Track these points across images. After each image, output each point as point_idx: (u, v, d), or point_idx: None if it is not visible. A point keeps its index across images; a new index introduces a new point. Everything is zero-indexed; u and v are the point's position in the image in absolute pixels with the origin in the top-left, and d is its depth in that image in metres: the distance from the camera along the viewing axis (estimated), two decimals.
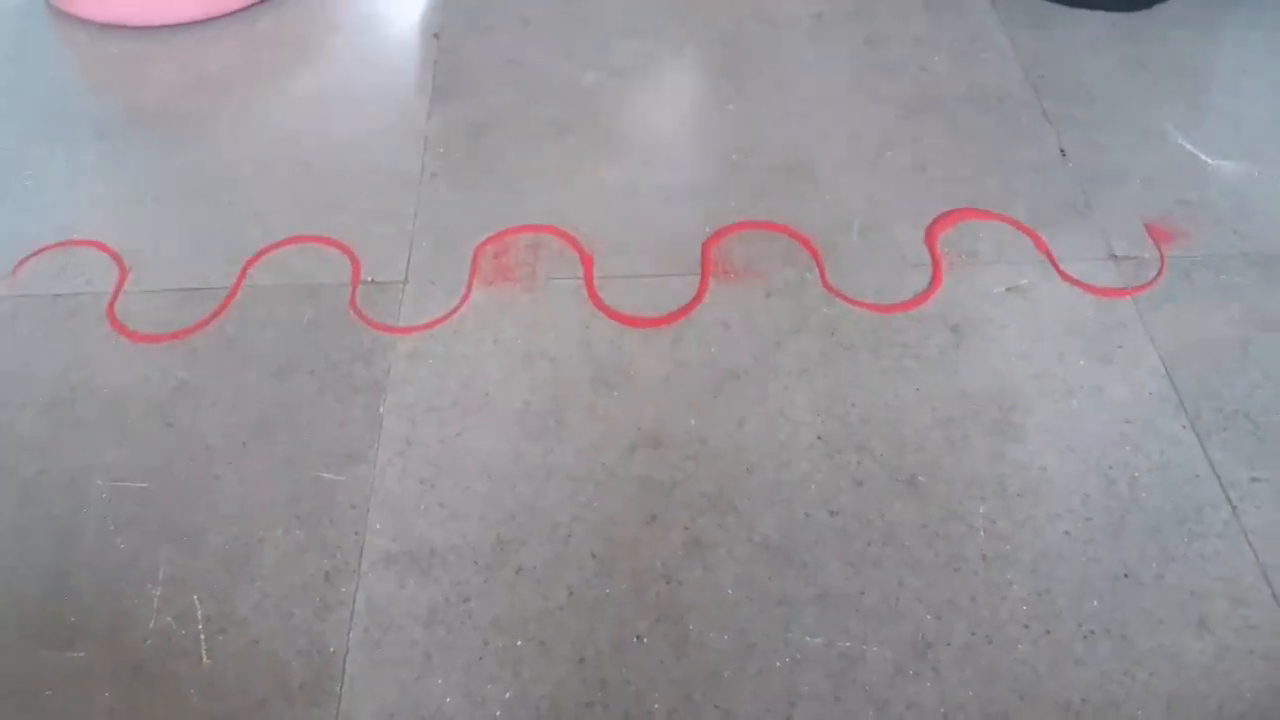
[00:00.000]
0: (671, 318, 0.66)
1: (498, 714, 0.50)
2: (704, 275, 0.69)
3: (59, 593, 0.55)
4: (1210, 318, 0.65)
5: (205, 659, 0.52)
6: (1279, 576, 0.54)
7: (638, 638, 0.52)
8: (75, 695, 0.51)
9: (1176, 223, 0.71)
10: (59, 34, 0.94)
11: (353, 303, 0.68)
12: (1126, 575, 0.54)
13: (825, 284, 0.68)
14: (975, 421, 0.60)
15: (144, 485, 0.59)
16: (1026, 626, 0.52)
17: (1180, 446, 0.59)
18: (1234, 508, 0.56)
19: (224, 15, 0.93)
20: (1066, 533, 0.56)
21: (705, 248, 0.70)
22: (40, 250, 0.72)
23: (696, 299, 0.67)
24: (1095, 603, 0.53)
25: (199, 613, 0.54)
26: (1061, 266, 0.68)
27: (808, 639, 0.52)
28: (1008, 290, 0.67)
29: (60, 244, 0.73)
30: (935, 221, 0.71)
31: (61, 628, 0.54)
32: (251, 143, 0.81)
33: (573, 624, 0.53)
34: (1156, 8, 0.88)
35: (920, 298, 0.67)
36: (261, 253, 0.71)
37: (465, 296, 0.68)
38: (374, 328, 0.66)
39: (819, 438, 0.60)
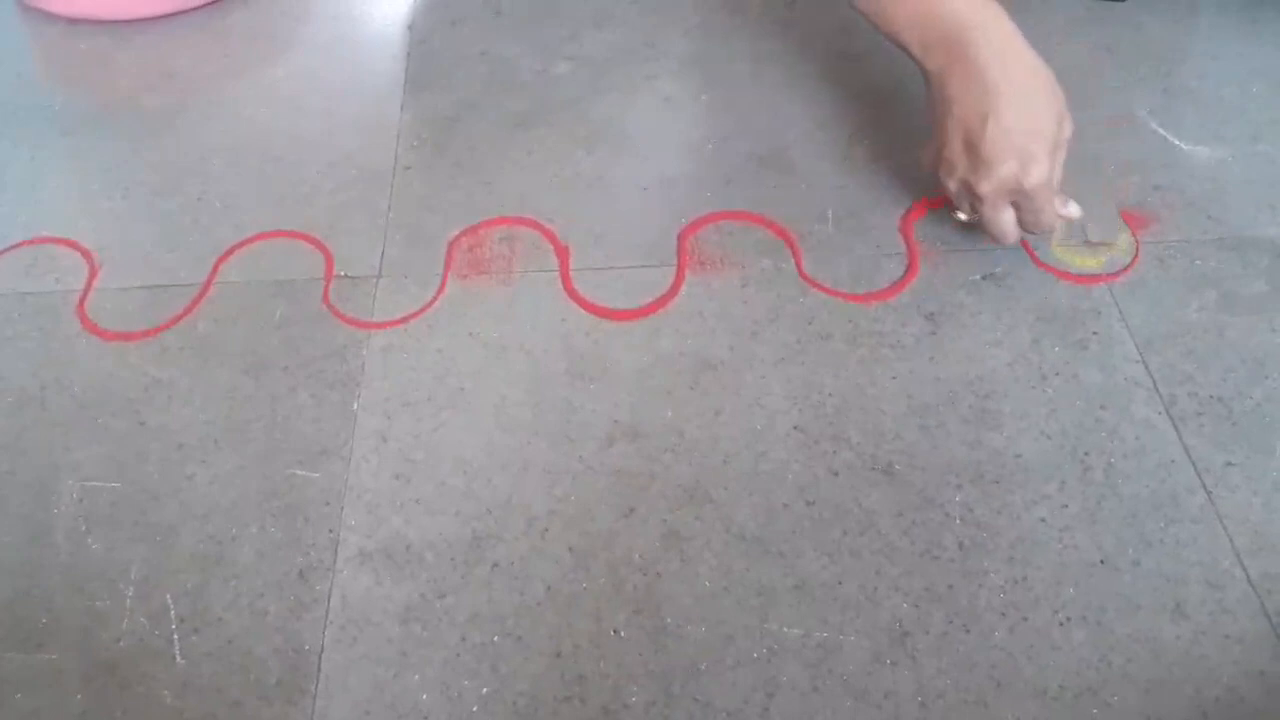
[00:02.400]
0: (648, 309, 0.66)
1: (475, 710, 0.50)
2: (680, 266, 0.68)
3: (29, 594, 0.54)
4: (1185, 303, 0.65)
5: (179, 659, 0.52)
6: (1253, 561, 0.54)
7: (615, 631, 0.52)
8: (47, 697, 0.51)
9: (1151, 208, 0.71)
10: (26, 29, 0.92)
11: (325, 298, 0.67)
12: (1103, 561, 0.54)
13: (801, 273, 0.68)
14: (951, 409, 0.60)
15: (115, 484, 0.58)
16: (1003, 614, 0.52)
17: (1155, 432, 0.59)
18: (1209, 493, 0.57)
19: (194, 9, 0.92)
20: (1043, 520, 0.56)
21: (681, 239, 0.70)
22: (7, 249, 0.71)
23: (673, 290, 0.67)
24: (1072, 589, 0.53)
25: (172, 612, 0.53)
26: (1036, 253, 0.68)
27: (785, 629, 0.52)
28: (983, 277, 0.67)
29: (27, 242, 0.72)
30: (910, 210, 0.71)
31: (32, 629, 0.53)
32: (222, 137, 0.80)
33: (550, 618, 0.53)
34: None
35: (896, 286, 0.67)
36: (233, 248, 0.71)
37: (440, 290, 0.68)
38: (347, 323, 0.66)
39: (795, 427, 0.60)
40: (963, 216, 0.67)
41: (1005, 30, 0.60)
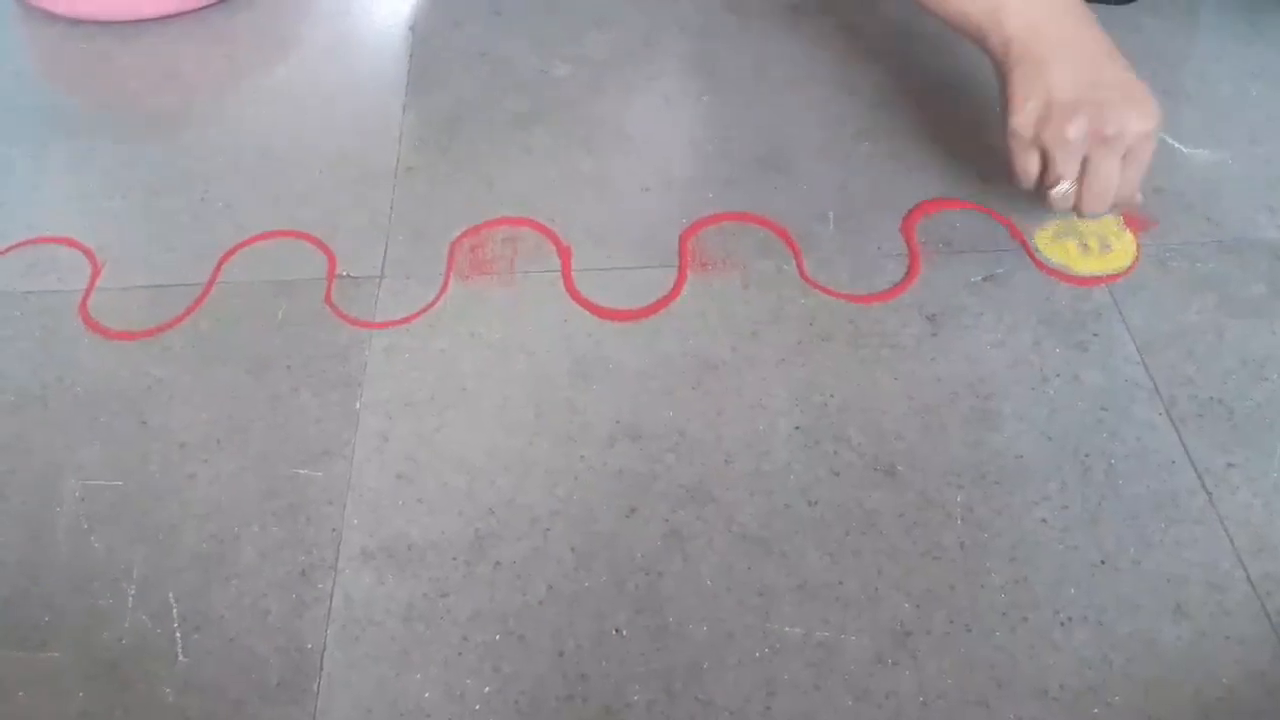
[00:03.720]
0: (650, 310, 0.66)
1: (477, 708, 0.50)
2: (681, 267, 0.69)
3: (31, 592, 0.54)
4: (1185, 305, 0.66)
5: (181, 657, 0.52)
6: (1254, 561, 0.54)
7: (617, 630, 0.52)
8: (48, 696, 0.51)
9: (1151, 211, 0.71)
10: (27, 29, 0.92)
11: (328, 298, 0.67)
12: (1103, 562, 0.54)
13: (802, 274, 0.68)
14: (952, 410, 0.60)
15: (118, 483, 0.58)
16: (1004, 614, 0.52)
17: (1156, 433, 0.59)
18: (1209, 494, 0.57)
19: (197, 9, 0.92)
20: (1043, 520, 0.56)
21: (682, 240, 0.70)
22: (10, 248, 0.71)
23: (674, 291, 0.67)
24: (1072, 590, 0.53)
25: (174, 611, 0.53)
26: (1037, 255, 0.68)
27: (787, 629, 0.52)
28: (984, 279, 0.67)
29: (30, 241, 0.72)
30: (911, 211, 0.71)
31: (34, 628, 0.53)
32: (224, 138, 0.80)
33: (552, 617, 0.53)
34: None
35: (897, 287, 0.67)
36: (235, 248, 0.71)
37: (442, 290, 0.68)
38: (349, 323, 0.66)
39: (797, 428, 0.60)
40: (1064, 186, 0.62)
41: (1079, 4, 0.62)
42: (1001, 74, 0.63)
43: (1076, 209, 0.63)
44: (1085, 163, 0.61)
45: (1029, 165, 0.63)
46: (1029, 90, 0.61)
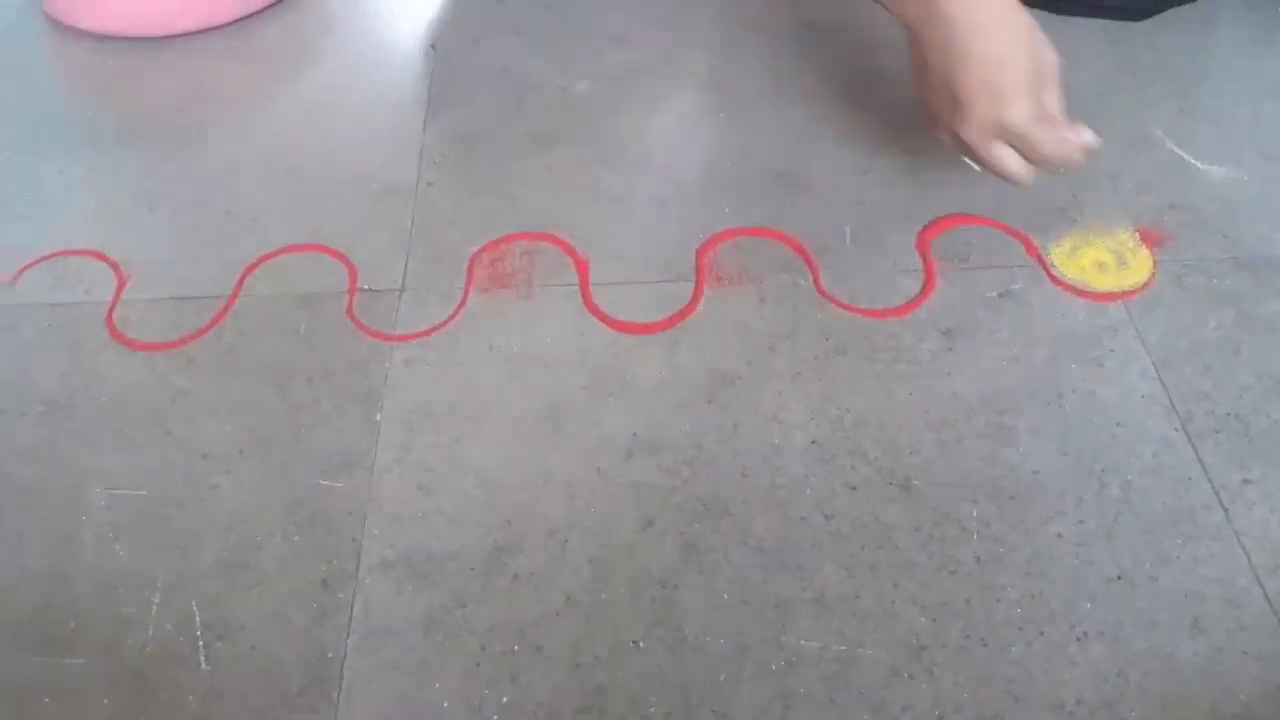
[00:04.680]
0: (667, 324, 0.67)
1: (495, 719, 0.50)
2: (698, 282, 0.69)
3: (57, 600, 0.55)
4: (1201, 321, 0.66)
5: (204, 665, 0.52)
6: (1271, 578, 0.54)
7: (634, 642, 0.53)
8: (73, 702, 0.52)
9: (1167, 227, 0.71)
10: (55, 45, 0.94)
11: (349, 311, 0.68)
12: (1120, 577, 0.54)
13: (819, 289, 0.68)
14: (968, 425, 0.61)
15: (142, 492, 0.59)
16: (1020, 629, 0.53)
17: (1172, 449, 0.59)
18: (1226, 510, 0.57)
19: (221, 26, 0.93)
20: (1059, 535, 0.56)
21: (699, 254, 0.71)
22: (38, 260, 0.73)
23: (691, 305, 0.68)
24: (1088, 605, 0.53)
25: (197, 619, 0.54)
26: (1053, 271, 0.69)
27: (803, 642, 0.52)
28: (999, 295, 0.68)
29: (58, 253, 0.73)
30: (927, 227, 0.72)
31: (60, 635, 0.54)
32: (248, 152, 0.81)
33: (569, 629, 0.53)
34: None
35: (913, 302, 0.67)
36: (259, 261, 0.72)
37: (461, 304, 0.68)
38: (371, 335, 0.67)
39: (813, 442, 0.60)
40: (975, 167, 0.66)
41: None
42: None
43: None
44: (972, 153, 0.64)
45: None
46: (917, 87, 0.65)
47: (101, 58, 0.91)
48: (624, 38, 0.91)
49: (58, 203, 0.78)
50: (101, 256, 0.73)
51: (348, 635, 0.53)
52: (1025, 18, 0.61)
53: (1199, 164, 0.76)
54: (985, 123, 0.60)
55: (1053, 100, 0.61)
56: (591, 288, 0.69)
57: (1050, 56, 0.61)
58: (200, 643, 0.53)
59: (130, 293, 0.70)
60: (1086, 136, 0.63)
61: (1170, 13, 0.89)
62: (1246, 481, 0.58)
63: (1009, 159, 0.63)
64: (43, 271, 0.72)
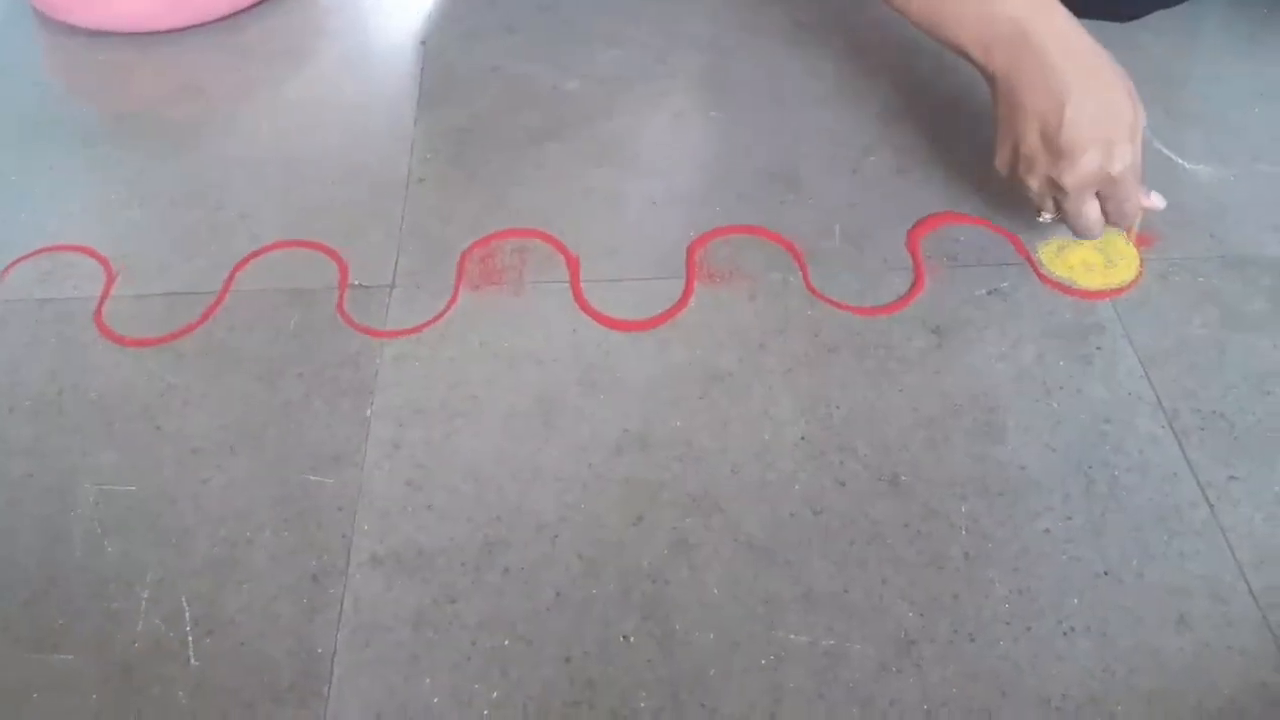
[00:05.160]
0: (657, 320, 0.67)
1: (485, 713, 0.50)
2: (689, 279, 0.69)
3: (47, 595, 0.55)
4: (1187, 320, 0.66)
5: (193, 660, 0.52)
6: (1256, 574, 0.54)
7: (624, 637, 0.53)
8: (63, 697, 0.51)
9: (1155, 226, 0.72)
10: (47, 40, 0.94)
11: (340, 307, 0.68)
12: (1107, 573, 0.55)
13: (809, 287, 0.69)
14: (957, 422, 0.61)
15: (132, 488, 0.59)
16: (1008, 624, 0.53)
17: (1159, 446, 0.60)
18: (1211, 506, 0.57)
19: (212, 22, 0.93)
20: (1047, 531, 0.56)
21: (690, 252, 0.71)
22: (27, 255, 0.72)
23: (682, 302, 0.68)
24: (1076, 600, 0.54)
25: (187, 614, 0.54)
26: (1041, 269, 0.69)
27: (792, 637, 0.53)
28: (988, 293, 0.68)
29: (47, 249, 0.73)
30: (917, 225, 0.72)
31: (49, 630, 0.54)
32: (239, 148, 0.81)
33: (560, 624, 0.53)
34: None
35: (902, 300, 0.68)
36: (249, 257, 0.72)
37: (452, 300, 0.68)
38: (361, 331, 0.67)
39: (803, 438, 0.60)
40: (1047, 217, 0.66)
41: (1066, 22, 0.61)
42: (992, 104, 0.65)
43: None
44: (1059, 203, 0.63)
45: (1017, 194, 0.66)
46: (1004, 134, 0.63)
47: (91, 53, 0.91)
48: (615, 37, 0.91)
49: (47, 198, 0.78)
50: (91, 252, 0.73)
51: (338, 630, 0.53)
52: (1116, 64, 0.61)
53: (1186, 164, 0.77)
54: (1091, 171, 0.60)
55: (1140, 153, 0.61)
56: (582, 284, 0.69)
57: (1142, 109, 0.61)
58: (190, 638, 0.53)
59: (120, 288, 0.70)
60: (1156, 200, 0.65)
61: (1157, 14, 0.89)
62: (1232, 478, 0.58)
63: (1094, 213, 0.63)
64: (32, 267, 0.72)
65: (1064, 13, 0.61)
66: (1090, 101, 0.59)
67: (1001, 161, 0.64)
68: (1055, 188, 0.62)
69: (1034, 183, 0.63)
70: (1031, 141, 0.61)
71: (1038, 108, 0.60)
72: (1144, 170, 0.62)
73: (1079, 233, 0.64)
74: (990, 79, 0.63)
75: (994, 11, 0.61)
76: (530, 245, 0.72)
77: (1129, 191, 0.61)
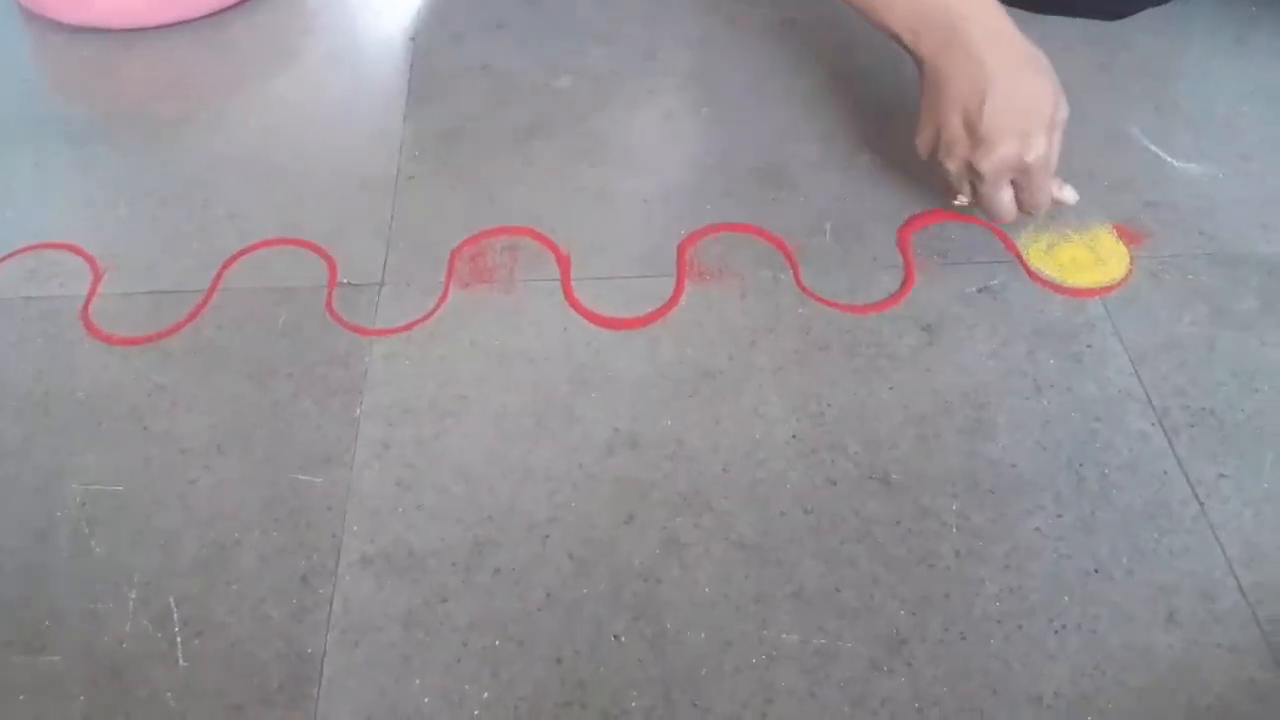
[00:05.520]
0: (648, 319, 0.67)
1: (476, 714, 0.50)
2: (680, 277, 0.69)
3: (32, 597, 0.55)
4: (1177, 317, 0.66)
5: (181, 662, 0.52)
6: (1245, 571, 0.55)
7: (615, 637, 0.53)
8: (49, 700, 0.51)
9: (1144, 224, 0.72)
10: (30, 37, 0.93)
11: (329, 305, 0.68)
12: (1097, 571, 0.55)
13: (799, 285, 0.69)
14: (947, 420, 0.61)
15: (119, 488, 0.59)
16: (999, 622, 0.53)
17: (1149, 444, 0.60)
18: (1201, 504, 0.57)
19: (198, 19, 0.93)
20: (1038, 529, 0.56)
21: (681, 250, 0.71)
22: (12, 254, 0.72)
23: (673, 300, 0.68)
24: (1066, 598, 0.54)
25: (175, 615, 0.54)
26: (1031, 267, 0.69)
27: (784, 636, 0.53)
28: (979, 290, 0.68)
29: (32, 247, 0.72)
30: (907, 223, 0.72)
31: (35, 632, 0.53)
32: (227, 146, 0.80)
33: (551, 624, 0.53)
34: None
35: (893, 298, 0.68)
36: (237, 255, 0.71)
37: (442, 299, 0.68)
38: (350, 330, 0.66)
39: (794, 436, 0.60)
40: (962, 200, 0.67)
41: (997, 15, 0.62)
42: (919, 85, 0.66)
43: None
44: (975, 186, 0.65)
45: (934, 178, 0.68)
46: (926, 116, 0.65)
47: (78, 50, 0.90)
48: (606, 34, 0.91)
49: (33, 196, 0.77)
50: (77, 250, 0.72)
51: (327, 631, 0.53)
52: (1043, 60, 0.62)
53: (1175, 162, 0.77)
54: (1007, 159, 0.61)
55: (1057, 145, 0.63)
56: (573, 283, 0.69)
57: (1064, 104, 0.62)
58: (178, 639, 0.53)
59: (106, 287, 0.70)
60: (1068, 194, 0.66)
61: (1147, 13, 0.90)
62: (1221, 476, 0.59)
63: (1007, 199, 0.64)
64: (17, 265, 0.71)
65: (996, 6, 0.62)
66: (1011, 92, 0.60)
67: (923, 142, 0.66)
68: (973, 172, 0.63)
69: (952, 166, 0.64)
70: (953, 127, 0.62)
71: (961, 94, 0.61)
72: (1056, 164, 0.63)
73: (992, 216, 0.66)
74: (918, 62, 0.64)
75: None
76: (520, 243, 0.72)
77: (1041, 181, 0.63)
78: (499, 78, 0.86)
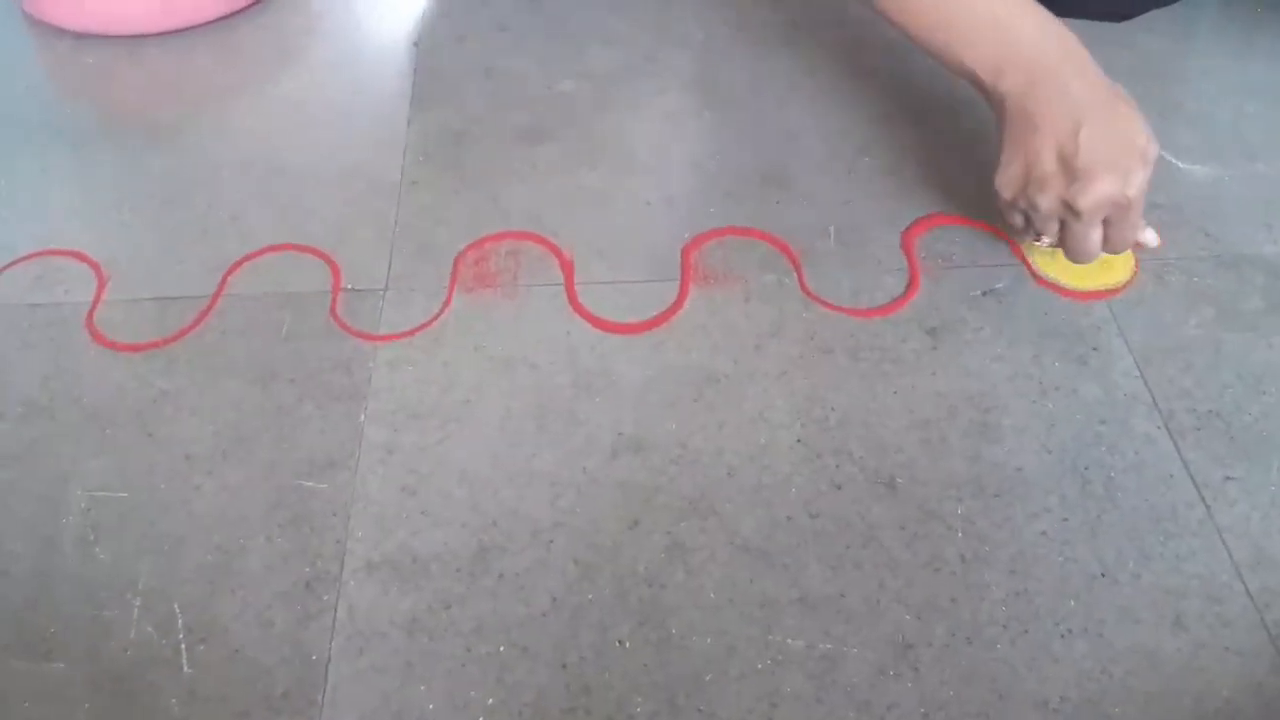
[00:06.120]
0: (652, 323, 0.67)
1: None
2: (684, 281, 0.69)
3: (37, 603, 0.55)
4: (1183, 319, 0.66)
5: (186, 668, 0.52)
6: (1252, 574, 0.54)
7: (620, 642, 0.53)
8: (54, 707, 0.51)
9: (1149, 226, 0.71)
10: (34, 42, 0.93)
11: (333, 310, 0.68)
12: (1103, 574, 0.55)
13: (803, 288, 0.68)
14: (952, 423, 0.61)
15: (123, 495, 0.59)
16: (1005, 626, 0.53)
17: (1154, 447, 0.60)
18: (1208, 506, 0.57)
19: (203, 24, 0.93)
20: (1043, 533, 0.56)
21: (684, 253, 0.71)
22: (16, 261, 0.72)
23: (676, 304, 0.68)
24: (1072, 602, 0.54)
25: (180, 622, 0.54)
26: (1036, 270, 0.69)
27: (789, 641, 0.52)
28: (984, 293, 0.68)
29: (37, 253, 0.72)
30: (911, 226, 0.72)
31: (40, 639, 0.53)
32: (230, 151, 0.81)
33: (555, 629, 0.53)
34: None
35: (897, 302, 0.67)
36: (241, 261, 0.71)
37: (446, 303, 0.68)
38: (354, 335, 0.66)
39: (799, 440, 0.60)
40: (1046, 241, 0.64)
41: (1081, 51, 0.61)
42: (998, 125, 0.64)
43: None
44: (1063, 226, 0.62)
45: (1013, 220, 0.65)
46: (1012, 154, 0.62)
47: (83, 56, 0.91)
48: (609, 38, 0.91)
49: (38, 202, 0.77)
50: (82, 256, 0.72)
51: (332, 637, 0.53)
52: (1129, 96, 0.60)
53: (1180, 164, 0.77)
54: (1107, 193, 0.58)
55: (1146, 186, 0.60)
56: (577, 287, 0.69)
57: (1154, 142, 0.60)
58: (183, 646, 0.53)
59: (111, 293, 0.70)
60: (1150, 237, 0.64)
61: (1151, 14, 0.89)
62: (1228, 479, 0.58)
63: (1098, 237, 0.62)
64: (21, 272, 0.72)
65: (1077, 40, 0.61)
66: (1108, 127, 0.58)
67: (1007, 181, 0.63)
68: (1067, 210, 0.60)
69: (1045, 203, 0.61)
70: (1046, 162, 0.60)
71: (1055, 130, 0.59)
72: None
73: (1077, 258, 0.63)
74: (1000, 100, 0.62)
75: (1009, 36, 0.61)
76: (524, 248, 0.72)
77: (1135, 218, 0.61)
78: (502, 81, 0.86)
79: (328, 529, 0.57)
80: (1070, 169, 0.59)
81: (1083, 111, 0.58)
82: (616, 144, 0.80)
